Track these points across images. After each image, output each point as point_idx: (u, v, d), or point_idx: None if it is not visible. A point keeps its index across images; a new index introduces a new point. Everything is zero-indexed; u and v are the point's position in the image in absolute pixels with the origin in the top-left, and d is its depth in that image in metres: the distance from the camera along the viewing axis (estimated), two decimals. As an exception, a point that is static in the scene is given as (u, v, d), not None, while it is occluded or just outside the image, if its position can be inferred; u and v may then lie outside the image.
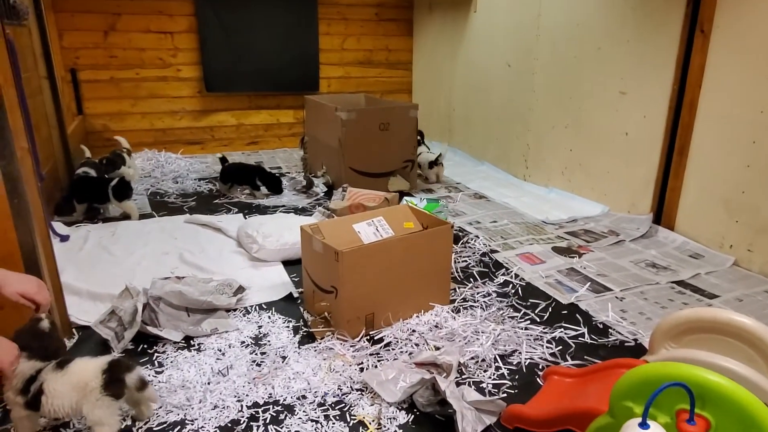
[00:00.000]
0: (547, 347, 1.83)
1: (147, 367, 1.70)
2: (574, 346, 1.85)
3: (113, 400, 1.33)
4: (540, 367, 1.73)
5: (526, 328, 1.94)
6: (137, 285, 2.02)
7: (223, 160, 3.73)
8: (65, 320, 1.88)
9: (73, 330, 1.91)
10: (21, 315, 1.62)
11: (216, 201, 3.48)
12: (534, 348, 1.82)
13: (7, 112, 1.48)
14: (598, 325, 1.99)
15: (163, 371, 1.68)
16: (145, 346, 1.82)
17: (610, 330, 1.96)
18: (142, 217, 3.14)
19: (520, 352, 1.79)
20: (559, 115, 3.59)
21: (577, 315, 2.06)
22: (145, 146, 4.70)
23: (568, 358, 1.78)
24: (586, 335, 1.92)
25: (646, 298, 2.20)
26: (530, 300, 2.18)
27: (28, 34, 3.08)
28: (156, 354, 1.78)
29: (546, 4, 3.57)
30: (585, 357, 1.79)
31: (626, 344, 1.87)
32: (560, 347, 1.84)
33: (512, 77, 4.02)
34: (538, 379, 1.67)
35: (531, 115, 3.86)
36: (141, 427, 1.44)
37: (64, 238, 2.77)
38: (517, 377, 1.68)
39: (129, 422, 1.45)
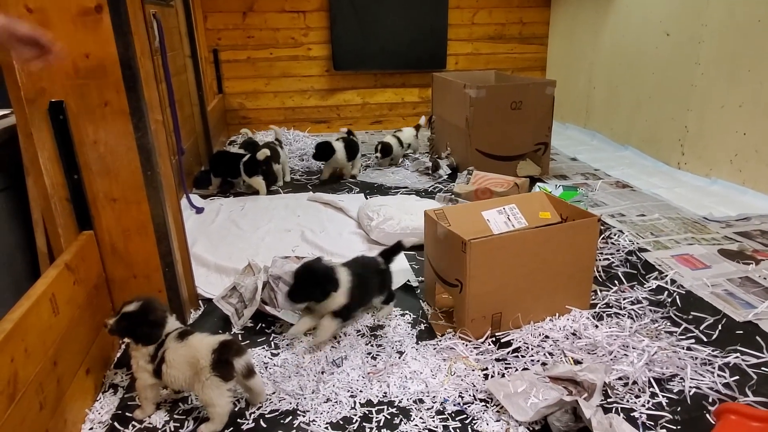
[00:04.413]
0: (718, 375, 1.48)
1: (264, 348, 1.67)
2: (756, 377, 1.49)
3: (222, 381, 1.29)
4: (710, 400, 1.41)
5: (689, 348, 1.60)
6: (260, 261, 2.01)
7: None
8: (192, 291, 1.93)
9: (199, 302, 1.95)
10: (151, 285, 1.67)
11: (340, 180, 3.46)
12: (701, 375, 1.49)
13: (143, 83, 1.49)
14: (788, 353, 1.59)
15: (278, 354, 1.64)
16: (263, 325, 1.80)
17: (805, 362, 1.55)
18: (269, 193, 3.20)
19: (682, 378, 1.47)
20: (732, 91, 3.01)
21: (758, 337, 1.67)
22: (276, 124, 4.84)
23: (749, 392, 1.43)
24: (772, 365, 1.54)
25: None
26: (692, 313, 1.82)
27: (175, 15, 3.26)
28: (273, 335, 1.75)
29: (724, -41, 2.99)
30: (772, 394, 1.43)
31: (830, 383, 1.46)
32: (737, 377, 1.48)
33: (671, 48, 3.46)
34: (707, 416, 1.35)
35: (693, 92, 3.30)
36: (254, 412, 1.39)
37: (199, 210, 2.91)
38: (679, 409, 1.38)
39: (243, 405, 1.42)
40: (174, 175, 1.80)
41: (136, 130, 1.52)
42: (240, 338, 1.74)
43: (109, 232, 1.61)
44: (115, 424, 1.37)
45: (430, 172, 3.53)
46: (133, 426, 1.37)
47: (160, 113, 1.67)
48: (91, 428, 1.37)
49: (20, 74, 1.44)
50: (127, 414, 1.41)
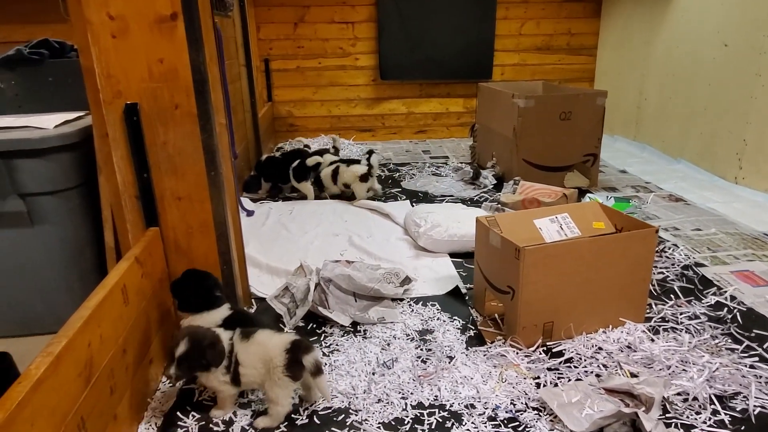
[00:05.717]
0: (786, 395, 1.43)
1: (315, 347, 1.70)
2: (826, 399, 1.42)
3: (291, 382, 1.32)
4: (777, 420, 1.36)
5: (752, 366, 1.54)
6: (309, 263, 2.06)
7: None
8: (246, 290, 1.99)
9: (252, 300, 2.00)
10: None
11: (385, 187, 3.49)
12: (766, 394, 1.43)
13: (210, 88, 1.56)
14: None
15: (330, 354, 1.67)
16: (314, 325, 1.84)
17: None
18: (317, 198, 3.26)
19: (746, 397, 1.42)
20: (797, 104, 2.89)
21: (828, 359, 1.59)
22: (322, 132, 4.95)
23: (819, 415, 1.37)
24: (844, 388, 1.46)
25: None
26: (755, 330, 1.75)
27: (232, 26, 3.38)
28: (324, 335, 1.78)
29: (789, -33, 2.89)
30: None
31: None
32: (805, 398, 1.42)
33: (729, 59, 3.35)
34: (775, 436, 1.30)
35: (753, 105, 3.19)
36: (307, 408, 1.42)
37: (250, 213, 3.00)
38: (743, 428, 1.33)
39: (296, 401, 1.45)
40: (232, 176, 1.86)
41: (202, 131, 1.59)
42: (292, 337, 1.78)
43: (174, 229, 1.68)
44: (178, 413, 1.43)
45: (472, 180, 3.52)
46: (193, 416, 1.42)
47: (224, 116, 1.74)
48: (152, 416, 1.43)
49: (100, 78, 1.53)
50: (186, 407, 1.46)
